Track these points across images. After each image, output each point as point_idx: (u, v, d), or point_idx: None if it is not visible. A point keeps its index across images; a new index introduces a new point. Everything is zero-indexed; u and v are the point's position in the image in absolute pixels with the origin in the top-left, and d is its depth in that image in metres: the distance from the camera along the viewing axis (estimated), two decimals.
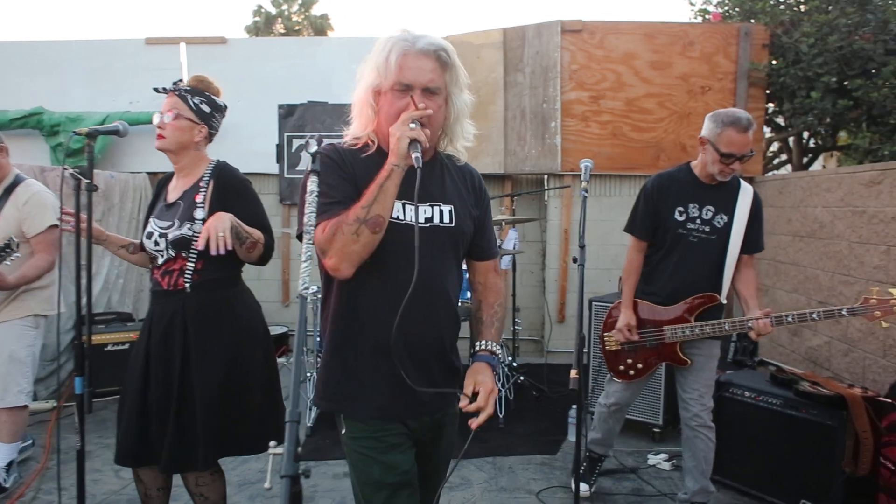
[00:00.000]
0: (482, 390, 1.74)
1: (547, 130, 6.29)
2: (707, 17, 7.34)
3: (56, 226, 3.49)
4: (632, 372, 3.29)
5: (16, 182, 3.53)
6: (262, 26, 27.48)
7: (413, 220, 1.70)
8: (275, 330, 6.58)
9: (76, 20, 49.92)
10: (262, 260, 2.61)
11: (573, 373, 2.57)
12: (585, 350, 4.26)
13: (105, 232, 2.71)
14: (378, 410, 1.76)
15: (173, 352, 2.47)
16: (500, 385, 4.63)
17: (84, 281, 2.30)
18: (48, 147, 6.63)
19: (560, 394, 5.21)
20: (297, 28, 27.53)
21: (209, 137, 2.64)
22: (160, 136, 2.54)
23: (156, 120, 2.56)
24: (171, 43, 6.89)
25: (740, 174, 3.09)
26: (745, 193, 3.08)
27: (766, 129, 6.86)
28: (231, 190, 2.54)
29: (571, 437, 4.27)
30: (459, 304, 4.66)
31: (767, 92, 6.22)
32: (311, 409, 4.56)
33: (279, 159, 6.81)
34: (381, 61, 1.71)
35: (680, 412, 3.20)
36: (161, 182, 2.74)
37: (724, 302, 3.11)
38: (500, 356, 1.89)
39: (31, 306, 3.58)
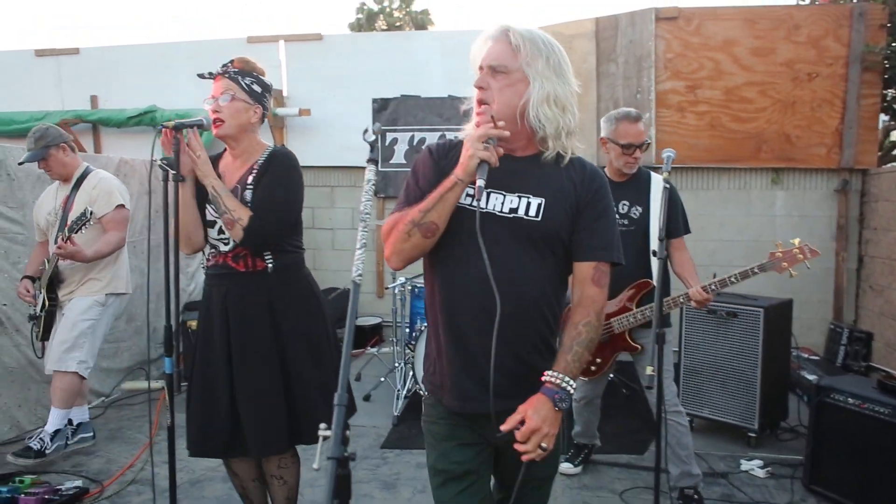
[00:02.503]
0: (526, 426, 1.58)
1: None
2: None
3: (123, 205, 3.91)
4: (593, 368, 3.42)
5: (85, 173, 3.96)
6: (365, 23, 28.07)
7: (498, 210, 1.73)
8: (369, 321, 6.75)
9: (185, 22, 52.69)
10: (250, 241, 2.43)
11: (649, 369, 2.51)
12: (676, 349, 4.13)
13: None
14: (453, 403, 1.79)
15: (261, 332, 2.48)
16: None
17: (172, 266, 2.40)
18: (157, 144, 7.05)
19: (651, 392, 5.05)
20: (398, 24, 27.94)
21: (262, 119, 2.62)
22: (217, 123, 2.48)
23: (208, 105, 2.52)
24: (271, 41, 7.18)
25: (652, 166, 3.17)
26: (656, 183, 3.25)
27: (884, 117, 6.36)
28: (271, 166, 2.51)
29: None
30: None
31: (885, 77, 5.78)
32: (398, 399, 4.65)
33: (373, 153, 6.97)
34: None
35: (648, 403, 3.31)
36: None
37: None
38: (568, 390, 1.65)
39: (103, 285, 3.95)
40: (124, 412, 4.79)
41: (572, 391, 1.66)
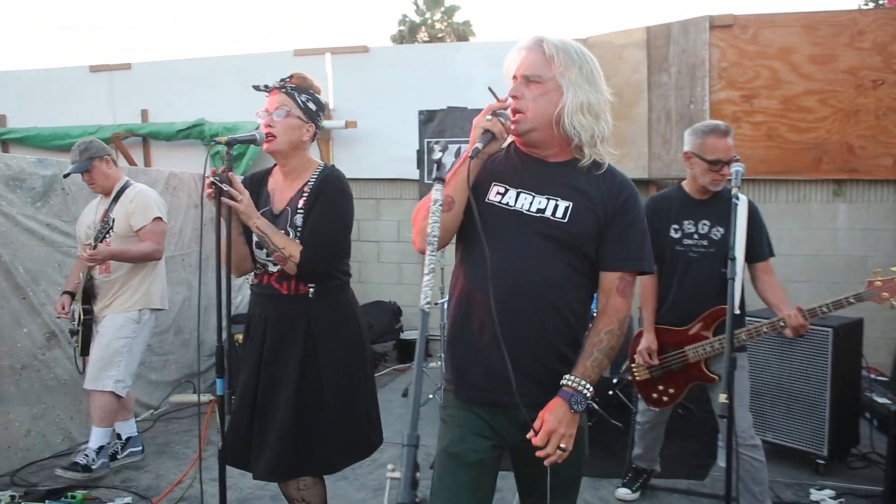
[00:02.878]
0: (543, 429, 1.65)
1: None
2: (881, 2, 6.65)
3: (160, 218, 3.89)
4: (665, 398, 3.30)
5: (124, 187, 3.94)
6: (407, 35, 28.27)
7: (525, 208, 1.79)
8: (416, 335, 6.63)
9: (232, 36, 53.79)
10: (304, 276, 2.43)
11: (722, 397, 2.35)
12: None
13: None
14: (470, 394, 1.84)
15: (291, 356, 2.46)
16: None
17: (224, 284, 2.36)
18: (209, 159, 7.15)
19: (709, 413, 4.87)
20: (440, 35, 28.08)
21: (313, 137, 2.58)
22: (269, 138, 2.43)
23: (261, 119, 2.46)
24: (317, 54, 7.19)
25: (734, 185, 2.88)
26: (740, 203, 2.98)
27: None
28: (322, 193, 2.46)
29: (721, 463, 3.97)
30: None
31: None
32: None
33: (419, 165, 6.92)
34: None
35: (721, 435, 3.16)
36: (256, 180, 2.63)
37: (739, 312, 2.98)
38: (585, 394, 1.69)
39: (137, 300, 3.91)
40: (172, 426, 4.80)
41: (589, 395, 1.70)
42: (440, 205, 1.55)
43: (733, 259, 2.57)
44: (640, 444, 3.59)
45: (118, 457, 4.01)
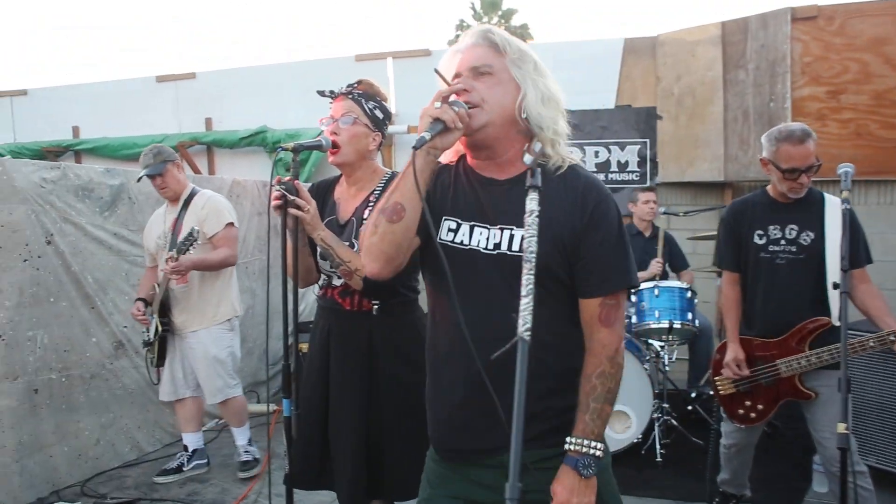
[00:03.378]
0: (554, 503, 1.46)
1: None
2: None
3: (232, 223, 3.89)
4: (753, 415, 3.05)
5: (192, 194, 3.94)
6: None
7: (481, 246, 1.55)
8: None
9: (293, 43, 54.86)
10: (369, 291, 2.31)
11: (841, 427, 2.10)
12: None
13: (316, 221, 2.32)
14: (437, 442, 1.69)
15: (357, 375, 2.37)
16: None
17: (291, 300, 2.27)
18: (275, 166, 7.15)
19: (797, 431, 4.54)
20: None
21: (379, 146, 2.46)
22: (335, 148, 2.32)
23: (327, 126, 2.36)
24: (379, 58, 7.12)
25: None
26: (832, 205, 2.87)
27: None
28: None
29: (817, 487, 3.67)
30: (679, 325, 4.30)
31: None
32: None
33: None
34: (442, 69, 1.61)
35: (818, 456, 2.96)
36: (322, 188, 2.53)
37: (838, 324, 2.66)
38: (593, 454, 1.47)
39: (223, 312, 3.94)
40: None
41: (599, 454, 1.48)
42: (537, 216, 1.32)
43: (846, 270, 2.32)
44: (727, 469, 3.33)
45: (184, 469, 3.98)
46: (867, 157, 5.39)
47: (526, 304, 1.19)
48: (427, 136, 1.41)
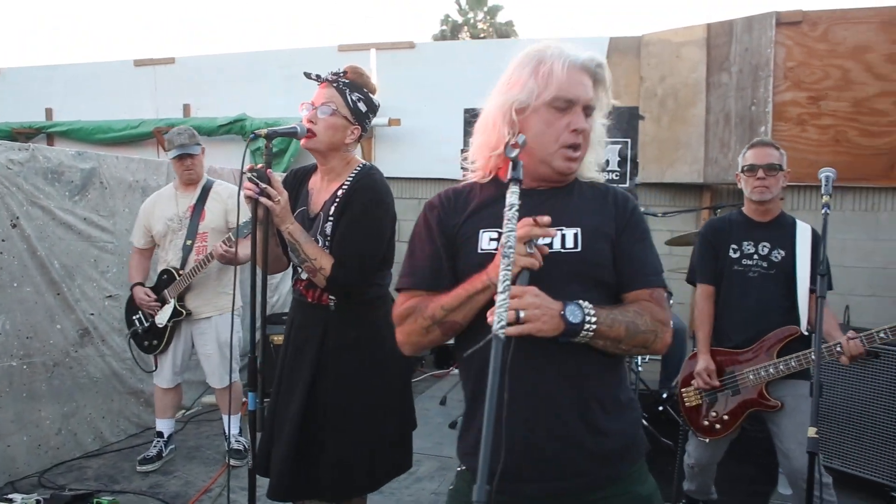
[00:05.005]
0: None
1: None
2: None
3: None
4: (718, 426, 3.06)
5: (209, 183, 3.92)
6: (449, 35, 28.16)
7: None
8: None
9: (276, 31, 54.45)
10: (332, 291, 2.26)
11: (811, 431, 2.09)
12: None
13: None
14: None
15: (304, 369, 2.31)
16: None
17: (259, 294, 2.21)
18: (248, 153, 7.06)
19: (764, 433, 4.56)
20: (482, 35, 27.92)
21: (357, 140, 2.39)
22: (310, 134, 2.25)
23: (305, 112, 2.29)
24: (362, 49, 7.05)
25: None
26: (802, 229, 3.02)
27: None
28: (351, 202, 2.26)
29: (782, 489, 3.68)
30: None
31: None
32: None
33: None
34: (538, 73, 1.51)
35: (781, 468, 2.99)
36: (299, 176, 2.48)
37: (807, 333, 2.91)
38: (586, 317, 1.36)
39: (238, 298, 3.80)
40: (203, 428, 4.67)
41: (587, 324, 1.37)
42: (517, 210, 1.31)
43: (823, 275, 2.33)
44: (693, 483, 3.34)
45: (163, 455, 3.93)
46: (845, 164, 5.40)
47: (502, 300, 1.16)
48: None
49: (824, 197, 2.43)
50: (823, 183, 2.45)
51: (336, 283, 2.21)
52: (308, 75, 2.35)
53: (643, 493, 1.57)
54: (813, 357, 2.71)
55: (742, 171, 3.05)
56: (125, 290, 4.29)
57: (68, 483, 3.63)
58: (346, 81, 2.31)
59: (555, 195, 1.56)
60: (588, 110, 1.53)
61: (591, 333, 1.37)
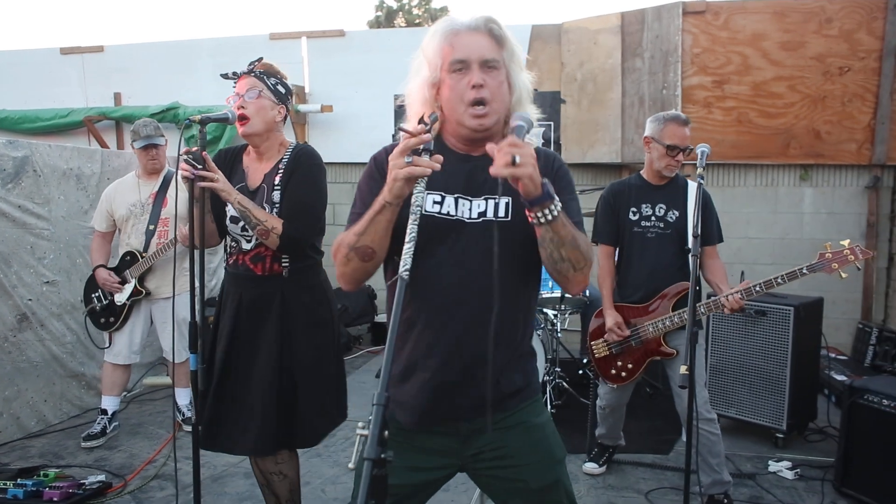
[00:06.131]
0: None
1: None
2: None
3: None
4: (624, 374, 3.39)
5: (170, 173, 4.16)
6: (384, 21, 28.10)
7: (465, 216, 1.64)
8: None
9: (207, 19, 53.11)
10: (285, 248, 2.46)
11: (683, 369, 2.46)
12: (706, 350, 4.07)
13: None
14: (411, 410, 1.69)
15: (269, 336, 2.51)
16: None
17: (197, 265, 2.40)
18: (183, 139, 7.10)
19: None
20: (417, 21, 27.94)
21: (285, 119, 2.64)
22: (243, 120, 2.46)
23: (233, 102, 2.50)
24: (293, 37, 7.16)
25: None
26: (693, 189, 3.20)
27: None
28: (298, 166, 2.52)
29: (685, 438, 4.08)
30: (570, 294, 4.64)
31: None
32: None
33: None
34: (432, 50, 1.64)
35: (676, 408, 3.31)
36: (229, 156, 2.66)
37: (698, 288, 3.05)
38: (552, 195, 1.46)
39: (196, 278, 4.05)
40: (146, 407, 4.81)
41: (554, 204, 1.47)
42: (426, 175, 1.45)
43: (697, 236, 2.65)
44: (604, 425, 3.71)
45: (107, 432, 4.08)
46: (747, 143, 5.88)
47: (409, 248, 1.38)
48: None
49: (699, 169, 2.74)
50: (699, 157, 2.77)
51: (290, 237, 2.42)
52: (225, 76, 2.61)
53: (538, 422, 1.78)
54: (702, 311, 3.12)
55: (660, 144, 3.18)
56: (63, 276, 4.40)
57: (12, 462, 3.75)
58: (261, 71, 2.56)
59: (489, 161, 1.50)
60: (487, 66, 1.60)
61: (557, 212, 1.47)
